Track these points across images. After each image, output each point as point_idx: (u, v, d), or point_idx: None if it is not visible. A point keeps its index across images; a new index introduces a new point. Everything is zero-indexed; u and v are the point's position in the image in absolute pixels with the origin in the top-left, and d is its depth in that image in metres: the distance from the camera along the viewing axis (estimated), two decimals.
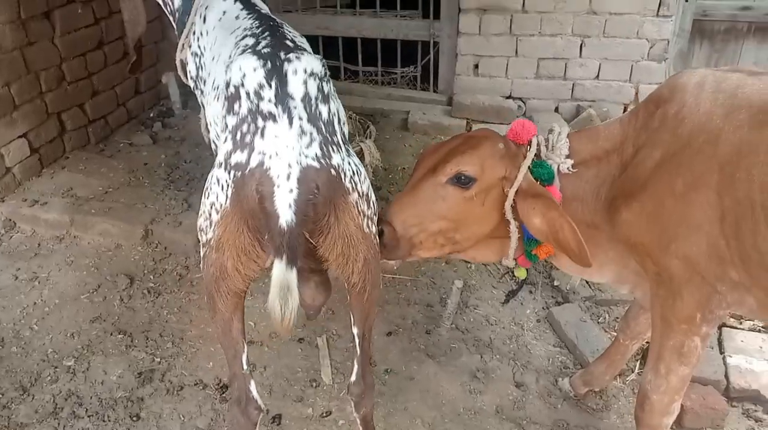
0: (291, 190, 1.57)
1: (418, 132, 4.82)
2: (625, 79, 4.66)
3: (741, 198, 1.67)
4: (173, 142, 4.56)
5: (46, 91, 3.92)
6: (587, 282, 3.31)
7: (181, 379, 2.73)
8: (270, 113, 1.64)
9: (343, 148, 1.77)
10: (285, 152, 1.59)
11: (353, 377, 2.02)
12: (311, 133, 1.65)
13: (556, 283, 3.30)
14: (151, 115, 4.93)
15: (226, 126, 1.74)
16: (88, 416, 2.55)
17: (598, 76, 4.70)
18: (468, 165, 1.95)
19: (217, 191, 1.71)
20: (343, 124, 1.91)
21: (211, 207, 1.74)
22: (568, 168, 2.02)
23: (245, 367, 1.87)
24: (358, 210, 1.76)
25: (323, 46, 5.35)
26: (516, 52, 4.71)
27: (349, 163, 1.76)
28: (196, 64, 2.62)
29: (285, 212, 1.55)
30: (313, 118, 1.67)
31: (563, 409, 2.67)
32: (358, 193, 1.76)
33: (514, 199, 1.97)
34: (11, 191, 3.75)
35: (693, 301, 1.85)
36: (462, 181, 1.95)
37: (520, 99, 4.87)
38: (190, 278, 3.30)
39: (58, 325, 3.00)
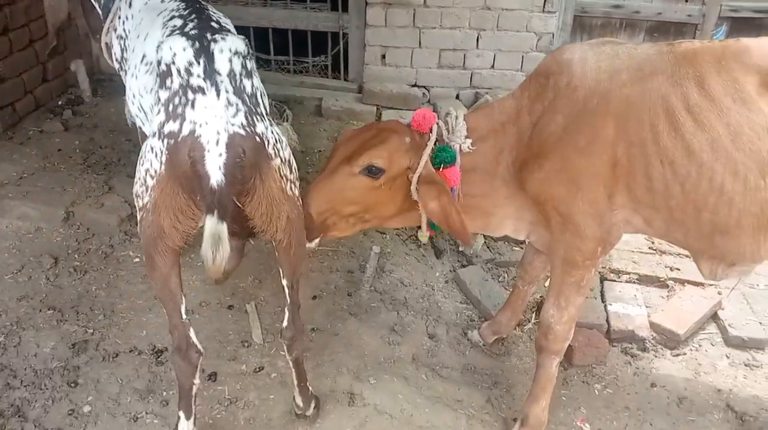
0: (220, 155, 1.79)
1: (332, 117, 5.07)
2: (517, 69, 5.15)
3: (634, 141, 2.09)
4: (86, 129, 4.54)
5: None
6: (488, 247, 3.71)
7: (115, 347, 2.84)
8: (199, 87, 1.86)
9: (266, 119, 2.01)
10: (214, 121, 1.82)
11: (285, 323, 2.27)
12: (237, 105, 1.88)
13: (461, 248, 3.68)
14: (60, 102, 4.86)
15: (159, 99, 1.94)
16: (24, 386, 2.62)
17: (493, 65, 5.16)
18: (378, 158, 2.24)
19: (151, 158, 1.91)
20: (264, 96, 2.15)
21: (146, 173, 1.93)
22: (468, 147, 2.35)
23: (184, 316, 2.08)
24: (281, 174, 2.00)
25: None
26: (420, 43, 5.07)
27: (272, 132, 2.00)
28: (121, 46, 2.76)
29: (215, 173, 1.78)
30: (239, 92, 1.91)
31: (471, 355, 3.03)
32: (281, 158, 2.00)
33: (417, 184, 2.29)
34: None
35: (595, 239, 2.24)
36: (372, 172, 2.24)
37: (425, 87, 5.24)
38: (116, 256, 3.38)
39: None
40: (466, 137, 2.35)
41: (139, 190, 1.99)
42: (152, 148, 1.91)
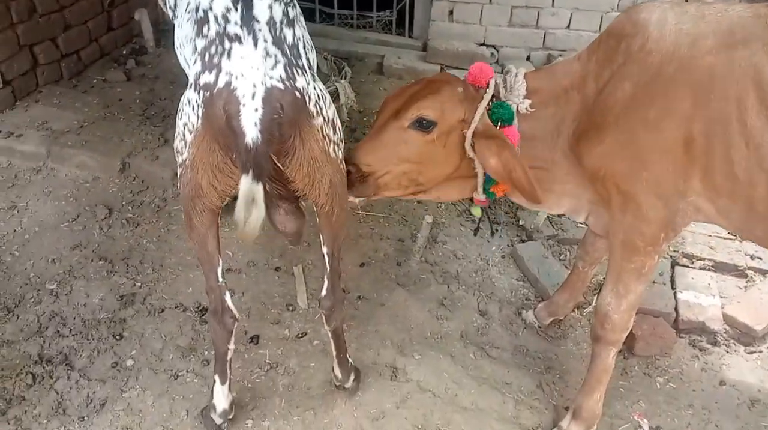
0: (256, 110, 1.65)
1: (393, 76, 4.88)
2: (595, 30, 4.77)
3: (715, 117, 1.82)
4: (147, 80, 4.54)
5: (17, 23, 3.86)
6: (550, 222, 3.50)
7: (161, 302, 2.84)
8: (236, 35, 1.72)
9: (308, 73, 1.85)
10: (250, 73, 1.68)
11: (323, 292, 2.16)
12: (276, 56, 1.73)
13: (521, 222, 3.48)
14: (124, 52, 4.87)
15: (196, 48, 1.82)
16: (72, 335, 2.66)
17: (569, 25, 4.80)
18: (429, 110, 2.04)
19: (188, 112, 1.79)
20: (310, 50, 1.99)
21: (185, 127, 1.82)
22: (526, 108, 2.12)
23: (221, 279, 2.00)
24: (323, 134, 1.85)
25: None
26: None
27: (315, 88, 1.84)
28: None
29: (251, 130, 1.64)
30: (278, 42, 1.75)
31: (523, 336, 2.87)
32: (324, 117, 1.85)
33: (472, 140, 2.09)
34: None
35: (659, 222, 2.02)
36: (423, 125, 2.05)
37: (494, 47, 4.95)
38: (168, 210, 3.38)
39: (39, 251, 3.06)
40: (525, 98, 2.13)
41: (179, 145, 1.89)
42: (189, 101, 1.80)
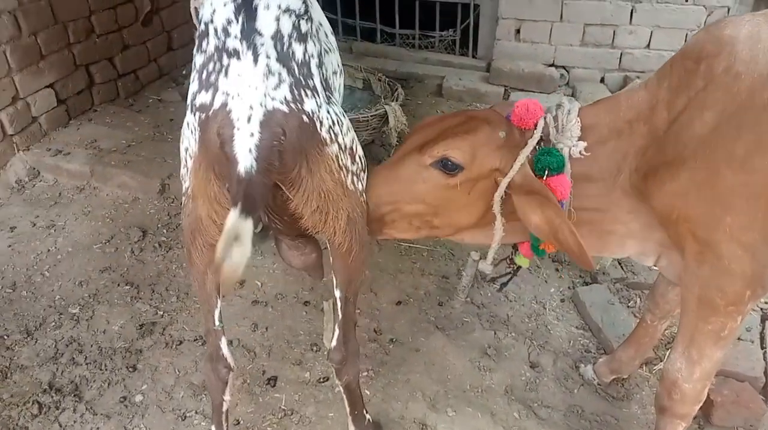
0: (252, 134, 1.42)
1: (453, 98, 4.62)
2: (678, 49, 4.32)
3: None
4: None
5: (74, 43, 3.90)
6: (618, 263, 3.09)
7: (181, 334, 2.68)
8: (235, 50, 1.48)
9: (321, 95, 1.60)
10: (247, 92, 1.45)
11: (333, 343, 1.90)
12: (280, 74, 1.49)
13: None
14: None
15: (195, 65, 1.60)
16: (86, 364, 2.53)
17: (648, 45, 4.41)
18: (457, 150, 1.75)
19: (188, 136, 1.58)
20: (329, 69, 1.74)
21: (186, 153, 1.62)
22: (580, 152, 1.80)
23: (217, 323, 1.77)
24: (339, 164, 1.60)
25: (360, 7, 5.18)
26: (561, 16, 4.45)
27: (329, 112, 1.60)
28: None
29: (244, 157, 1.41)
30: (284, 58, 1.51)
31: (580, 394, 2.49)
32: (339, 145, 1.60)
33: (506, 193, 1.77)
34: (37, 140, 3.76)
35: (743, 279, 1.65)
36: (448, 166, 1.76)
37: (564, 67, 4.61)
38: None
39: (68, 272, 2.99)
40: (579, 139, 1.80)
41: (183, 172, 1.70)
42: (188, 124, 1.60)
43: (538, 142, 1.80)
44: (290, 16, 1.54)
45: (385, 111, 3.51)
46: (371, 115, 3.46)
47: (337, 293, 1.83)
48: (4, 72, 3.47)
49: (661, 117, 1.74)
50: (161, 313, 2.77)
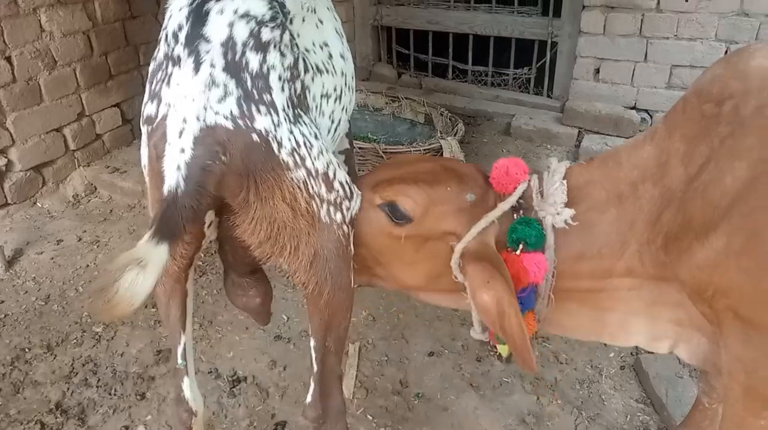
0: (183, 150, 1.26)
1: (521, 138, 4.34)
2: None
3: None
4: None
5: (144, 65, 3.99)
6: None
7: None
8: (178, 57, 1.32)
9: (282, 113, 1.37)
10: (182, 104, 1.28)
11: (308, 398, 1.67)
12: (226, 86, 1.30)
13: None
14: None
15: (147, 74, 1.47)
16: (97, 387, 2.43)
17: None
18: (409, 199, 1.53)
19: (143, 151, 1.44)
20: (312, 90, 1.51)
21: (144, 169, 1.47)
22: (565, 221, 1.52)
23: (180, 360, 1.59)
24: (310, 192, 1.40)
25: (433, 41, 5.06)
26: (645, 56, 4.09)
27: (292, 132, 1.38)
28: None
29: (171, 175, 1.24)
30: (234, 68, 1.32)
31: None
32: (307, 170, 1.39)
33: (461, 261, 1.51)
34: (99, 158, 3.84)
35: None
36: (396, 214, 1.54)
37: (646, 111, 4.23)
38: None
39: None
40: (567, 205, 1.53)
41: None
42: (142, 138, 1.47)
43: (516, 210, 1.54)
44: (248, 22, 1.34)
45: (441, 145, 3.30)
46: (424, 149, 3.26)
47: (312, 343, 1.61)
48: (73, 89, 3.57)
49: (675, 174, 1.43)
50: None
